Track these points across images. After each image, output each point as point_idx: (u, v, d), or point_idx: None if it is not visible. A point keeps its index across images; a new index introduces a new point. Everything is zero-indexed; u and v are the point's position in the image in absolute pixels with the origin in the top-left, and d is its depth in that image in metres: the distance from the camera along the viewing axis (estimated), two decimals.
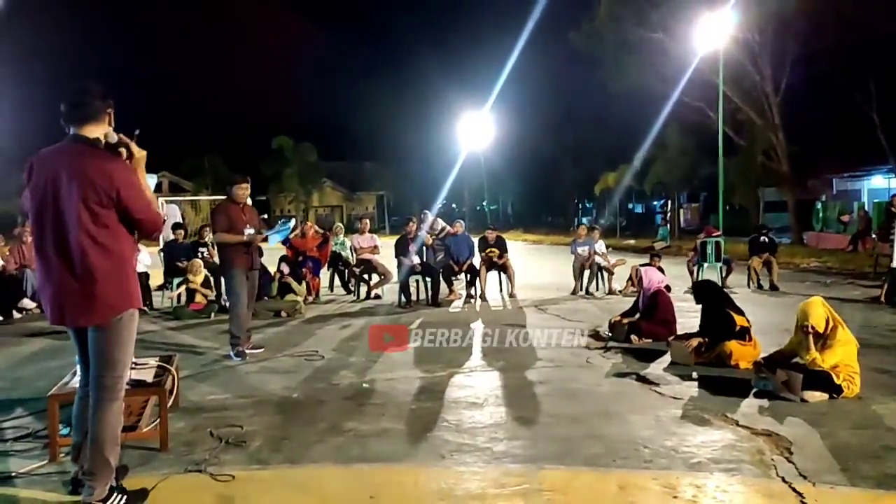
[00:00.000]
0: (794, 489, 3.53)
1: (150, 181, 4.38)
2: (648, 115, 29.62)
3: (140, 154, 3.41)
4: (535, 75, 39.02)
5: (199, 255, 11.41)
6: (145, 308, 10.27)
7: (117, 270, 3.31)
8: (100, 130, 3.35)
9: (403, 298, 10.85)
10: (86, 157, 3.26)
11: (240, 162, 40.06)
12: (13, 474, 3.87)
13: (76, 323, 3.36)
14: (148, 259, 11.11)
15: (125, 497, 3.39)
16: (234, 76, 76.29)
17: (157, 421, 4.33)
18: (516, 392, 5.61)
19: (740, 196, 29.84)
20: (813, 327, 5.23)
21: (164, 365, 4.82)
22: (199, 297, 10.39)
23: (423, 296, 11.24)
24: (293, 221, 7.23)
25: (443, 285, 11.24)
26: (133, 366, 4.20)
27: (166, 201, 18.47)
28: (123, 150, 3.39)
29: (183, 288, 10.51)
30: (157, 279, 11.76)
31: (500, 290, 12.06)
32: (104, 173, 3.22)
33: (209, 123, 53.85)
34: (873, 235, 18.64)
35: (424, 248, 11.67)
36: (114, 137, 3.39)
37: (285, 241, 10.73)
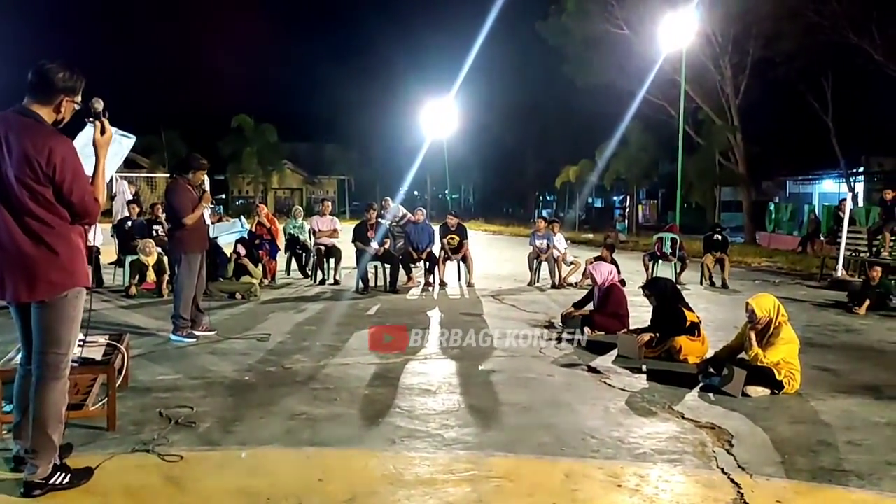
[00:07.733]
0: (732, 480, 3.65)
1: (128, 143, 4.28)
2: (612, 110, 29.98)
3: (108, 134, 3.38)
4: (501, 64, 39.25)
5: (154, 233, 11.21)
6: (95, 287, 10.04)
7: (60, 248, 3.21)
8: (46, 112, 3.22)
9: (361, 284, 10.83)
10: (28, 130, 3.14)
11: (198, 139, 39.13)
12: None
13: (17, 298, 3.25)
14: (100, 236, 10.85)
15: (68, 475, 3.34)
16: (195, 53, 74.66)
17: (105, 400, 4.26)
18: (469, 380, 5.65)
19: (698, 194, 30.38)
20: (758, 322, 5.40)
21: (114, 343, 4.74)
22: (150, 277, 10.23)
23: (381, 282, 11.23)
24: (243, 221, 6.99)
25: (401, 272, 11.24)
26: (82, 343, 4.13)
27: (120, 177, 17.97)
28: (98, 124, 3.37)
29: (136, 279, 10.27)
30: (108, 256, 11.53)
31: (459, 278, 12.10)
32: (43, 150, 3.10)
33: (167, 100, 52.78)
34: (822, 238, 19.21)
35: (391, 234, 11.68)
36: (100, 105, 3.37)
37: (241, 241, 10.66)
